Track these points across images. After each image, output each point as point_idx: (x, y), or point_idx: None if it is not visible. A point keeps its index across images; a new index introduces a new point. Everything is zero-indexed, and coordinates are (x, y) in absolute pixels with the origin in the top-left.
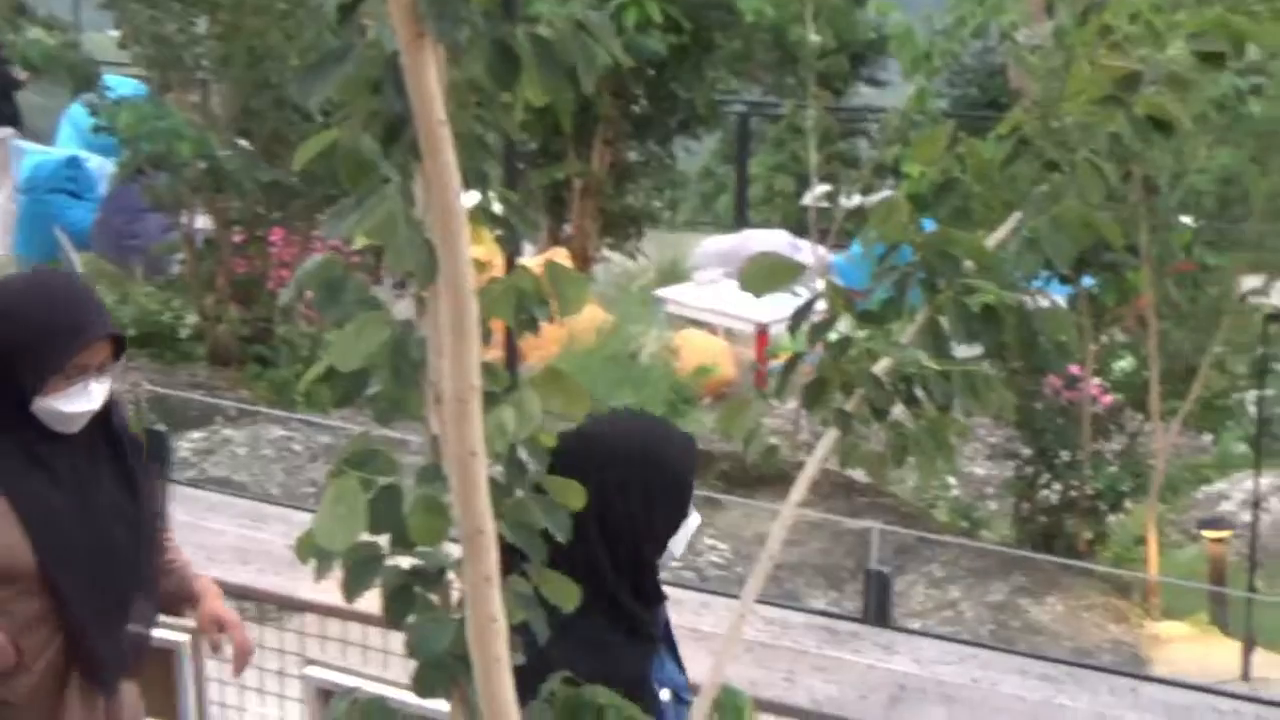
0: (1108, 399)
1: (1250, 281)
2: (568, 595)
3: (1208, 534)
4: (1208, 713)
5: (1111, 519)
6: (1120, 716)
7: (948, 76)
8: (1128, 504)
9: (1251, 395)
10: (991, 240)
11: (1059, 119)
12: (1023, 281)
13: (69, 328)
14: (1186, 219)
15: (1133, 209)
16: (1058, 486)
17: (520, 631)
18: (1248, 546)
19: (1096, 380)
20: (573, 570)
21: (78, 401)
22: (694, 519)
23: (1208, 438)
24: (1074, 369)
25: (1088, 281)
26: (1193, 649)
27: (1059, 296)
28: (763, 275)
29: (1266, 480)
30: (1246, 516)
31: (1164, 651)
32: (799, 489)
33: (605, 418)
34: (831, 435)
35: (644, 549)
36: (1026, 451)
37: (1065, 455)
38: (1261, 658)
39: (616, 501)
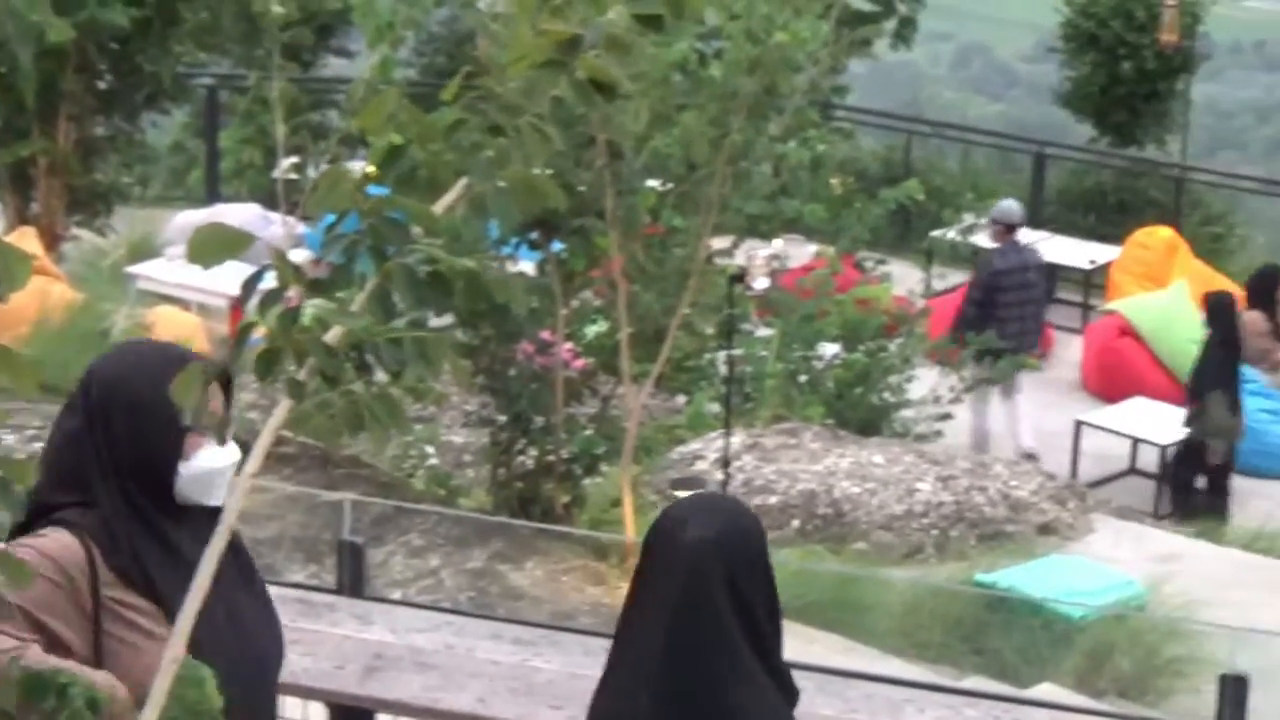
0: (580, 363)
1: (717, 243)
2: None
3: (681, 494)
4: None
5: (587, 482)
6: (595, 675)
7: (415, 45)
8: (603, 467)
9: (720, 355)
10: (439, 206)
11: (506, 84)
12: (494, 248)
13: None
14: (653, 182)
15: (598, 173)
16: (533, 452)
17: None
18: None
19: (568, 345)
20: None
21: (223, 454)
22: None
23: (680, 398)
24: (546, 334)
25: (557, 246)
26: None
27: (528, 262)
28: (210, 246)
29: (737, 439)
30: (720, 475)
31: None
32: (254, 460)
33: None
34: (285, 405)
35: None
36: (501, 418)
37: (539, 420)
38: None
39: None
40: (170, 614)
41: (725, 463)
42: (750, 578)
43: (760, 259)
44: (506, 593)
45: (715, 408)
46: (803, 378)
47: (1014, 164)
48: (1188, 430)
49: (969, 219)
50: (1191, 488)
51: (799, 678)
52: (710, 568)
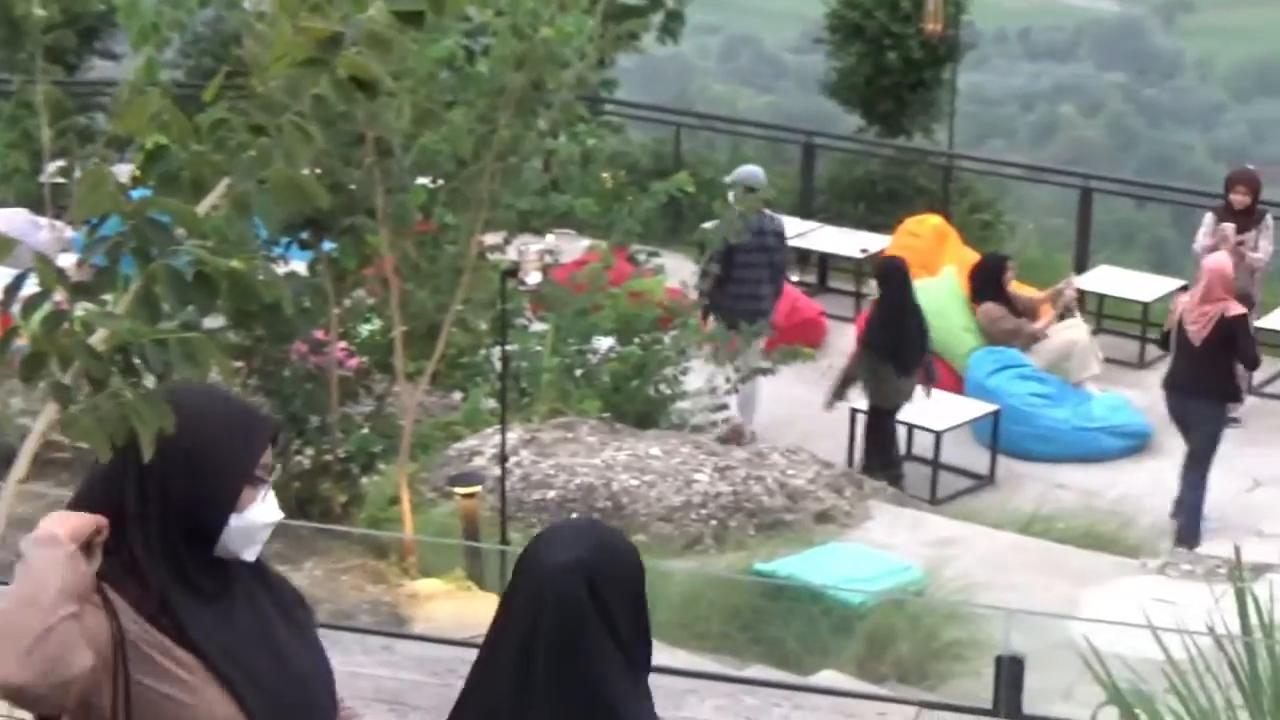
0: (354, 362)
1: (489, 239)
2: None
3: (459, 490)
4: (460, 665)
5: (365, 481)
6: (373, 674)
7: (181, 47)
8: (380, 465)
9: (495, 351)
10: (202, 206)
11: (268, 83)
12: (264, 248)
13: (253, 416)
14: (423, 179)
15: (367, 171)
16: (310, 451)
17: None
18: (499, 500)
19: (342, 344)
20: None
21: (269, 511)
22: None
23: (456, 395)
24: (319, 334)
25: (328, 245)
26: (450, 604)
27: (300, 262)
28: None
29: (514, 434)
30: (497, 471)
31: (423, 609)
32: (20, 465)
33: None
34: (50, 409)
35: None
36: (276, 419)
37: (315, 420)
38: None
39: None
40: (206, 661)
41: (503, 458)
42: (617, 600)
43: (533, 254)
44: None
45: (491, 403)
46: (578, 372)
47: (784, 155)
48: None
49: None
50: (886, 452)
51: None
52: (574, 589)
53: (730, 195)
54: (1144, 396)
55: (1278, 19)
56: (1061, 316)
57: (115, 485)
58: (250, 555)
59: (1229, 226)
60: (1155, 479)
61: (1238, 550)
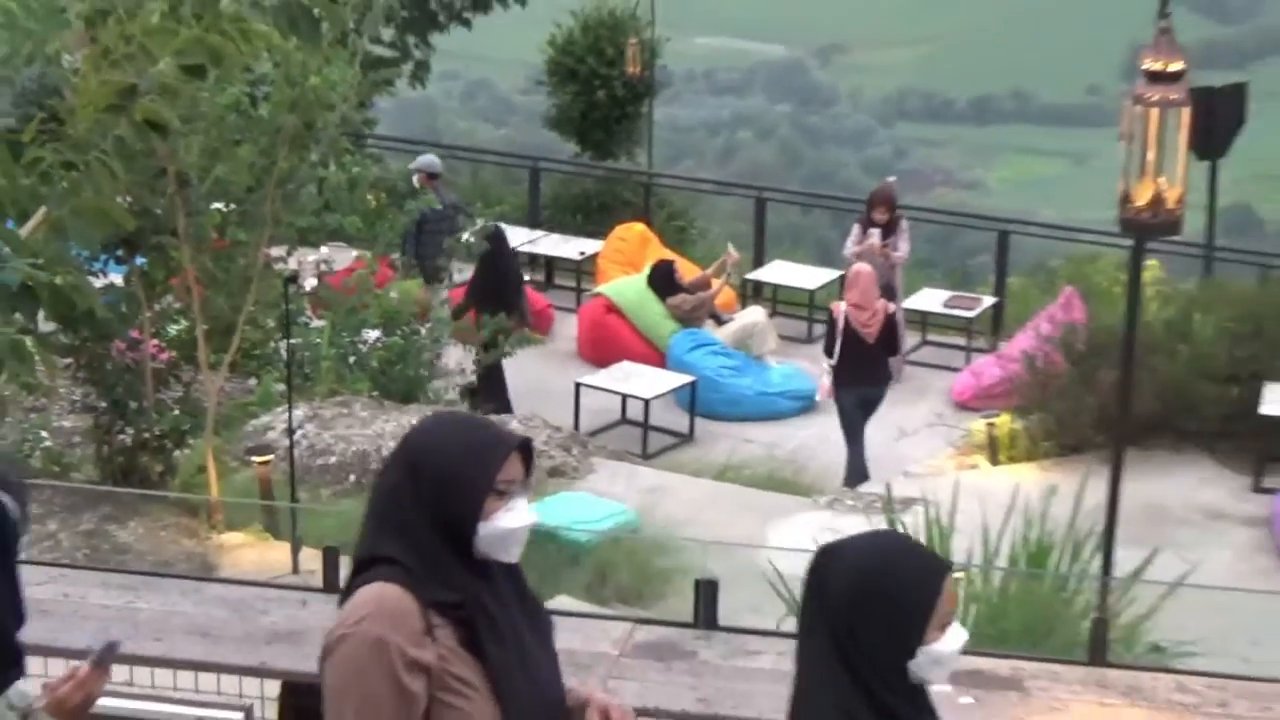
0: (165, 356)
1: (274, 252)
2: None
3: (255, 459)
4: (258, 602)
5: (177, 454)
6: (188, 611)
7: (12, 99)
8: (189, 440)
9: (282, 344)
10: (25, 230)
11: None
12: (87, 264)
13: (492, 439)
14: (218, 204)
15: (170, 199)
16: (130, 431)
17: None
18: (289, 466)
19: (154, 341)
20: None
21: (519, 516)
22: None
23: (252, 381)
24: (135, 333)
25: (140, 260)
26: (251, 553)
27: (117, 275)
28: None
29: (300, 411)
30: (286, 442)
31: (228, 557)
32: None
33: None
34: None
35: None
36: (102, 404)
37: (134, 404)
38: (306, 554)
39: None
40: (481, 657)
41: (290, 431)
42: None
43: (309, 263)
44: (115, 548)
45: (280, 387)
46: (351, 359)
47: (514, 177)
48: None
49: (480, 223)
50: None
51: None
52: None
53: (414, 179)
54: (813, 366)
55: (911, 58)
56: (733, 287)
57: (395, 499)
58: (507, 557)
59: (875, 235)
60: (823, 433)
61: (889, 488)
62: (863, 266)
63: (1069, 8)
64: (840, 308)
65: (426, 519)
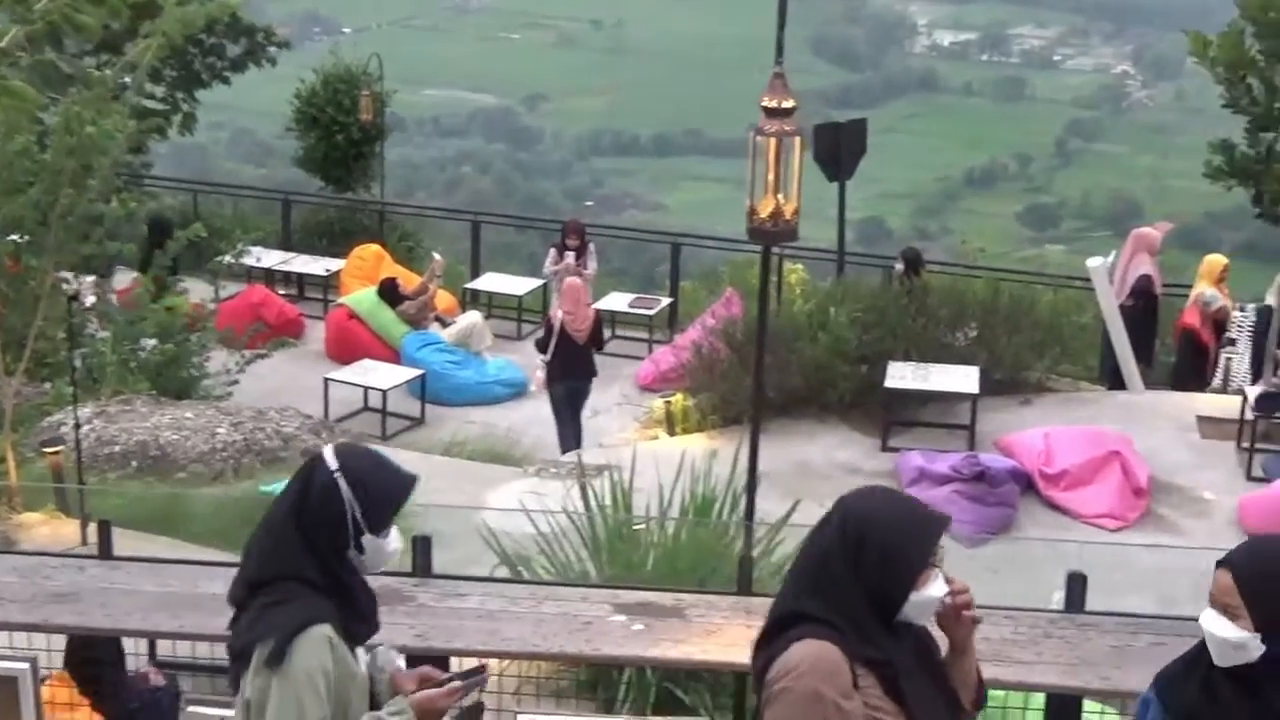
0: None
1: (61, 275)
2: None
3: (48, 450)
4: (44, 568)
5: None
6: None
7: None
8: None
9: (72, 354)
10: None
11: None
12: None
13: (929, 518)
14: (13, 235)
15: None
16: None
17: None
18: (77, 455)
19: None
20: None
21: (940, 585)
22: None
23: (47, 385)
24: None
25: None
26: (46, 529)
27: None
28: None
29: (88, 409)
30: (75, 436)
31: (27, 534)
32: None
33: None
34: None
35: None
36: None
37: None
38: (93, 528)
39: None
40: (905, 710)
41: (77, 425)
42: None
43: (89, 283)
44: None
45: (70, 389)
46: (133, 364)
47: (271, 209)
48: None
49: (240, 248)
50: None
51: (142, 569)
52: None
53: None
54: (523, 359)
55: (602, 104)
56: (453, 292)
57: (828, 564)
58: (924, 621)
59: (570, 257)
60: (531, 415)
61: (580, 457)
62: (574, 280)
63: (727, 59)
64: (556, 315)
65: (860, 587)
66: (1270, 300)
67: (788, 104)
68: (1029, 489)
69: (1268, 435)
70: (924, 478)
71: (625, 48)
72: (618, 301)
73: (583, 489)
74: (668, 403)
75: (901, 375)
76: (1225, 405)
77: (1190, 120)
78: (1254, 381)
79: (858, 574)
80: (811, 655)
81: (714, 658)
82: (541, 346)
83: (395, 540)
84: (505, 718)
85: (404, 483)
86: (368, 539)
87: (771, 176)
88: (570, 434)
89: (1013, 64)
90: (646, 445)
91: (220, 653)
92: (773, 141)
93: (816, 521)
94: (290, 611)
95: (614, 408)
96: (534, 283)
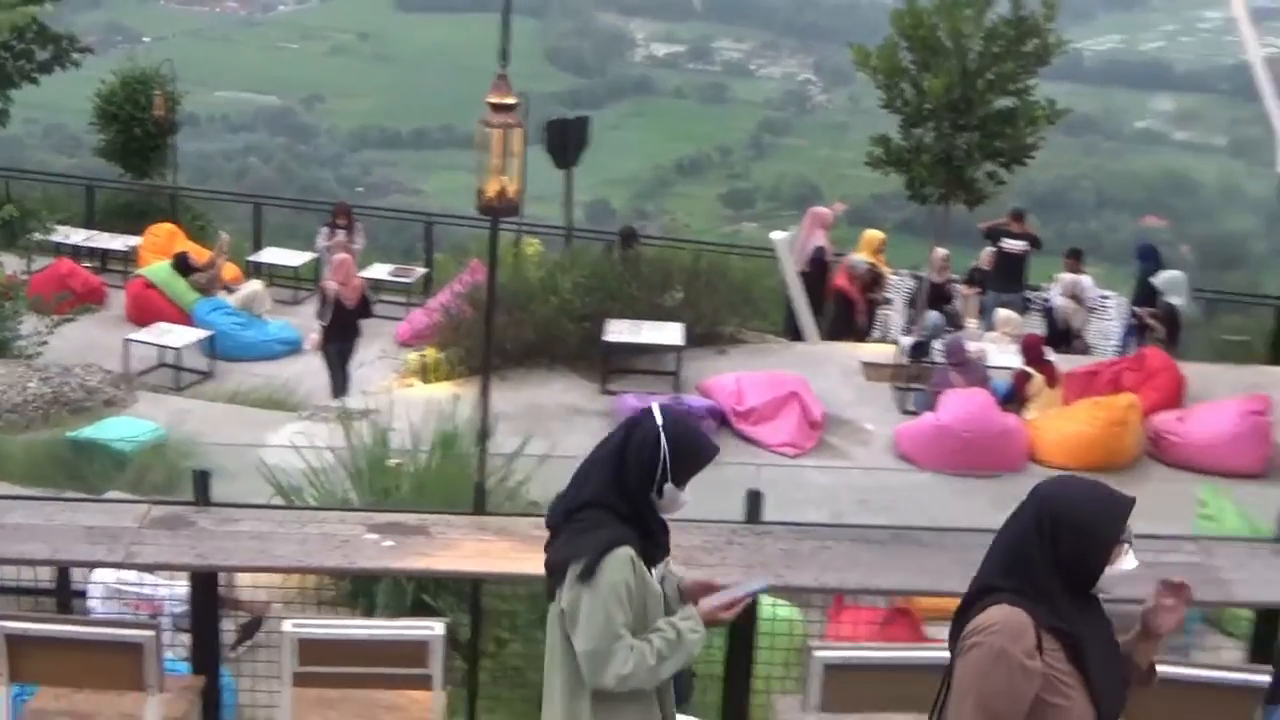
0: None
1: None
2: None
3: None
4: None
5: None
6: None
7: None
8: None
9: None
10: None
11: None
12: None
13: (1118, 499)
14: None
15: None
16: None
17: None
18: None
19: None
20: None
21: (1130, 559)
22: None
23: None
24: None
25: None
26: None
27: None
28: None
29: None
30: None
31: None
32: None
33: None
34: None
35: None
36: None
37: None
38: None
39: None
40: (1086, 677)
41: None
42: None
43: None
44: None
45: None
46: None
47: (77, 193)
48: None
49: (48, 226)
50: None
51: None
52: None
53: None
54: (299, 322)
55: (369, 104)
56: (237, 264)
57: (1025, 545)
58: (1117, 593)
59: (340, 234)
60: (307, 368)
61: (345, 404)
62: (344, 255)
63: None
64: (330, 285)
65: (1056, 564)
66: (925, 273)
67: (509, 100)
68: (724, 424)
69: (917, 377)
70: None
71: (389, 56)
72: (380, 271)
73: (346, 430)
74: (422, 356)
75: (618, 331)
76: (883, 353)
77: (859, 119)
78: (906, 334)
79: (1056, 553)
80: (1002, 617)
81: (454, 567)
82: (320, 314)
83: (688, 495)
84: (274, 625)
85: (710, 450)
86: (669, 488)
87: (496, 162)
88: (339, 384)
89: (715, 72)
90: (403, 392)
91: (11, 572)
92: (498, 133)
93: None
94: (599, 535)
95: (376, 361)
96: (308, 256)
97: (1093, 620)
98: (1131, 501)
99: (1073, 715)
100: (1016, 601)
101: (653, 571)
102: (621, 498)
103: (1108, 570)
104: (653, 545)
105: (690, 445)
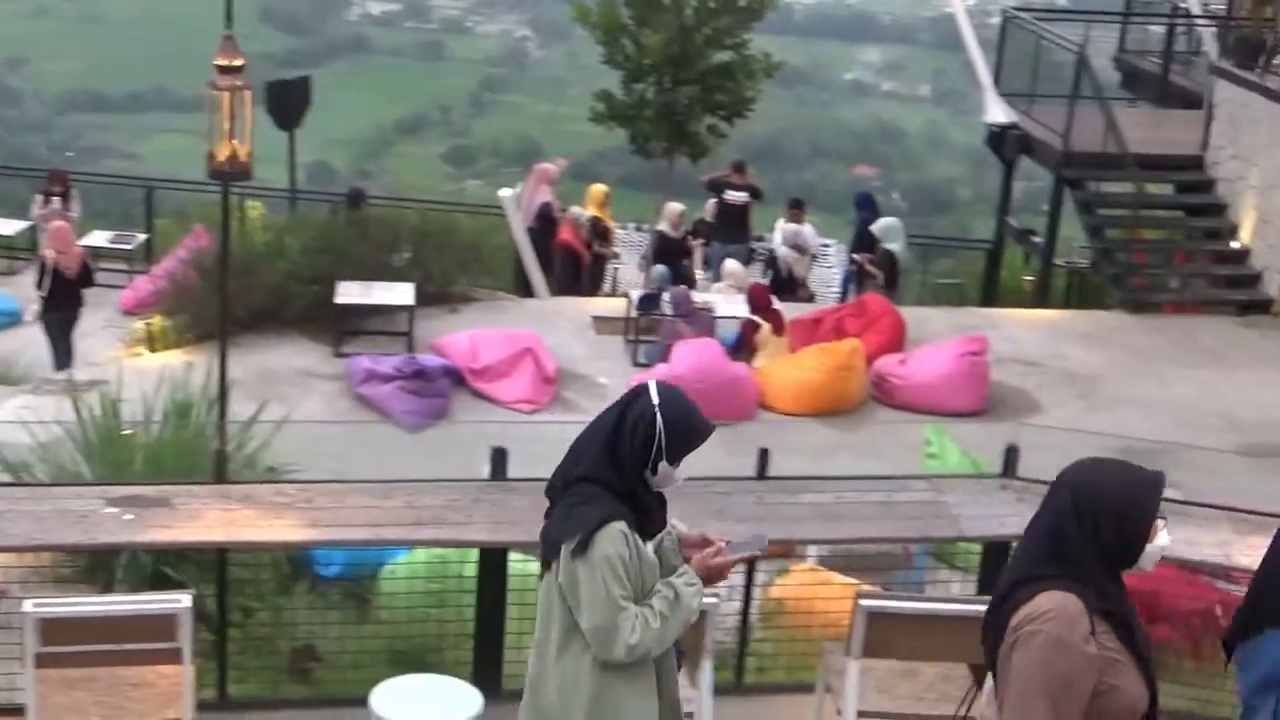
0: None
1: None
2: None
3: None
4: None
5: None
6: None
7: None
8: None
9: None
10: None
11: None
12: None
13: (1149, 476)
14: None
15: None
16: None
17: None
18: None
19: None
20: None
21: (1164, 535)
22: None
23: None
24: None
25: None
26: None
27: None
28: None
29: None
30: None
31: None
32: None
33: None
34: None
35: None
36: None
37: None
38: None
39: None
40: (1136, 655)
41: None
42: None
43: None
44: None
45: None
46: None
47: None
48: None
49: None
50: None
51: None
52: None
53: None
54: (16, 292)
55: (77, 67)
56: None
57: (1062, 533)
58: (1152, 569)
59: (56, 202)
60: (27, 340)
61: (71, 375)
62: (61, 224)
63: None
64: (48, 255)
65: (1097, 547)
66: (653, 226)
67: (238, 62)
68: (460, 383)
69: (648, 329)
70: (372, 377)
71: (97, 17)
72: (100, 239)
73: (74, 402)
74: (148, 324)
75: (349, 292)
76: (614, 306)
77: (579, 75)
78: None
79: (1097, 536)
80: (1055, 604)
81: (200, 538)
82: (39, 284)
83: (682, 472)
84: (13, 605)
85: (705, 428)
86: (663, 465)
87: (227, 125)
88: (63, 355)
89: (433, 29)
90: (131, 362)
91: None
92: (227, 95)
93: (1043, 498)
94: (592, 510)
95: (100, 331)
96: (22, 225)
97: (1128, 599)
98: (1163, 478)
99: (1130, 696)
100: (1067, 587)
101: (648, 545)
102: (616, 473)
103: (1147, 548)
104: (648, 520)
105: (686, 423)
